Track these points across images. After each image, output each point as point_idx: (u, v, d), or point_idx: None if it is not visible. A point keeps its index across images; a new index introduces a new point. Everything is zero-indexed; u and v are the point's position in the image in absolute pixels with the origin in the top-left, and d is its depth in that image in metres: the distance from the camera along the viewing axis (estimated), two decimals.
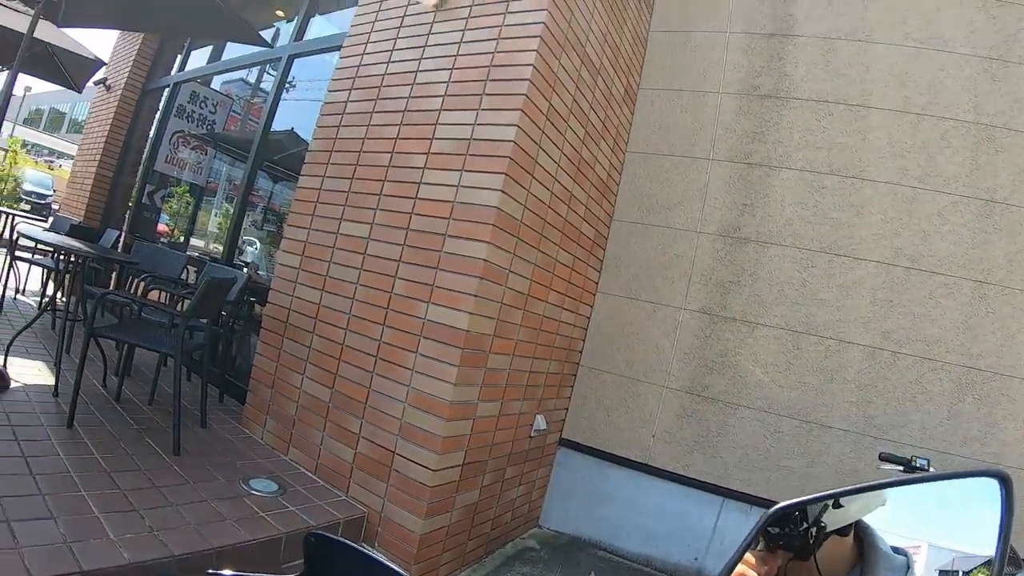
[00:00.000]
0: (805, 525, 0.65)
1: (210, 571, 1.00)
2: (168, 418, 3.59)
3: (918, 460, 2.65)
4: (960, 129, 3.79)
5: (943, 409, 3.59)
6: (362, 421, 3.29)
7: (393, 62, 3.71)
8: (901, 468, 2.68)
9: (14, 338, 4.13)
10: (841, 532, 0.71)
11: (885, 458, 2.75)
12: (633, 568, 4.07)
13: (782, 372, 3.93)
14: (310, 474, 3.47)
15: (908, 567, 0.77)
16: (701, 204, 4.23)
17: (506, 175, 3.03)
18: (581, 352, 4.47)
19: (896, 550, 0.77)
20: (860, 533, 0.73)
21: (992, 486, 0.70)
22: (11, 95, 3.90)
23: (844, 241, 3.89)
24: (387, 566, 0.91)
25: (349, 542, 0.97)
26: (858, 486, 0.69)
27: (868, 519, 0.71)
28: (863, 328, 3.80)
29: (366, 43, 3.91)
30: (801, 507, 0.62)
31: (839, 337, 3.84)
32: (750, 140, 4.21)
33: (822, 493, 0.64)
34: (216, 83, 7.46)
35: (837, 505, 0.65)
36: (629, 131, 4.47)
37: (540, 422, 3.95)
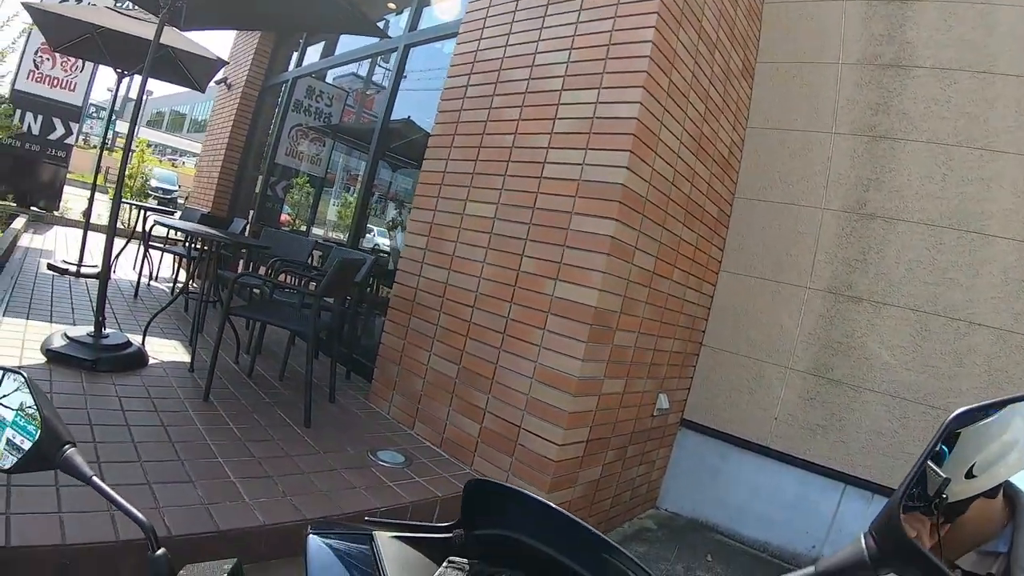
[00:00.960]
0: (945, 494, 0.63)
1: (368, 519, 1.05)
2: (298, 393, 3.79)
3: None
4: None
5: None
6: (488, 396, 3.37)
7: (511, 45, 3.76)
8: None
9: (151, 320, 4.43)
10: (989, 494, 0.69)
11: None
12: (749, 553, 4.00)
13: (909, 355, 3.76)
14: (435, 448, 3.59)
15: None
16: (824, 179, 4.08)
17: (630, 152, 3.02)
18: (704, 331, 4.41)
19: None
20: (1009, 493, 0.71)
21: None
22: (143, 98, 4.14)
23: (974, 217, 3.66)
24: (546, 503, 0.93)
25: (506, 484, 0.99)
26: None
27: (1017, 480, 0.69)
28: (994, 310, 3.57)
29: (482, 28, 3.97)
30: (984, 411, 0.61)
31: (969, 319, 3.62)
32: (873, 112, 4.02)
33: (1006, 397, 0.62)
34: (328, 77, 7.76)
35: (971, 475, 0.62)
36: (748, 106, 4.35)
37: (663, 401, 3.94)
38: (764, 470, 4.07)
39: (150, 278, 6.81)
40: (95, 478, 0.77)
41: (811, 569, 0.58)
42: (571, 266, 3.12)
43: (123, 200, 9.32)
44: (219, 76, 7.98)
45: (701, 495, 4.27)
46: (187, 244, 6.24)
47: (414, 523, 1.03)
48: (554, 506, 0.92)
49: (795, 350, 4.05)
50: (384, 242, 6.55)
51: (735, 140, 4.20)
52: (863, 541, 0.56)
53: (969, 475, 0.60)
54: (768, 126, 4.31)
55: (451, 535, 0.99)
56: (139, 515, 0.74)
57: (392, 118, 5.34)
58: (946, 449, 0.58)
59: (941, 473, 0.58)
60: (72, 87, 10.53)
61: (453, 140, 3.92)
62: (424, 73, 5.39)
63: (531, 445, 3.14)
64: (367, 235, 6.58)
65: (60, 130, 10.48)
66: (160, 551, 0.72)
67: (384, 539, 0.97)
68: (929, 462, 0.57)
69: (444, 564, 0.91)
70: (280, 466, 2.88)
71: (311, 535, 0.97)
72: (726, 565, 3.73)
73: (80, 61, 10.08)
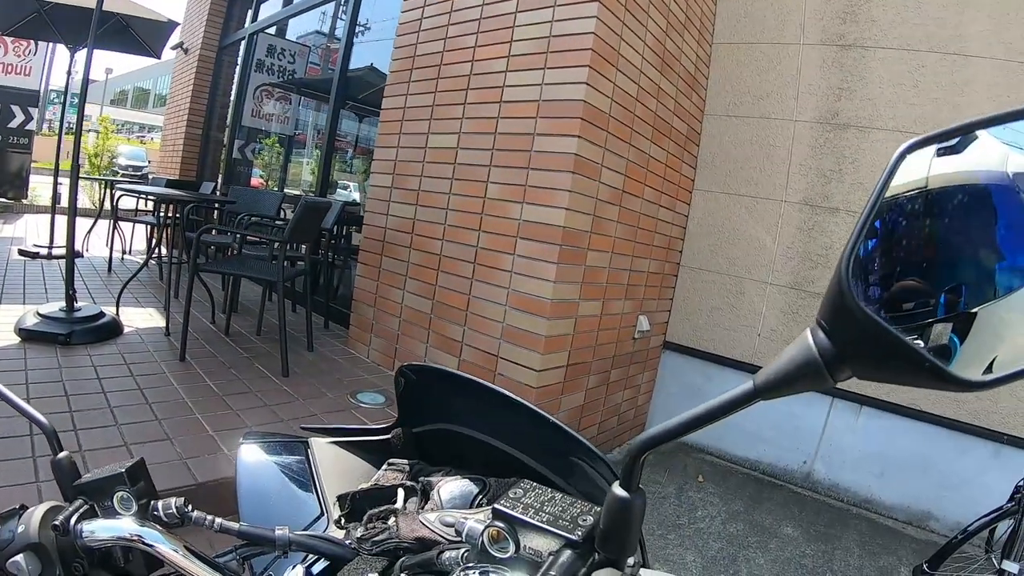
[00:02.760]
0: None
1: (303, 426, 1.01)
2: (275, 346, 3.74)
3: None
4: None
5: None
6: (464, 328, 3.34)
7: None
8: None
9: (122, 289, 4.35)
10: None
11: None
12: (741, 472, 4.02)
13: None
14: None
15: None
16: (795, 91, 4.00)
17: (590, 67, 2.94)
18: (681, 252, 4.37)
19: None
20: None
21: None
22: (89, 74, 3.97)
23: (948, 122, 3.51)
24: (480, 382, 0.87)
25: (439, 366, 0.92)
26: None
27: None
28: None
29: None
30: (946, 137, 0.43)
31: None
32: (841, 20, 3.92)
33: (965, 121, 0.42)
34: (291, 35, 7.57)
35: (989, 373, 0.42)
36: (713, 21, 4.24)
37: (643, 323, 3.91)
38: None
39: (123, 252, 6.72)
40: None
41: (749, 385, 0.45)
42: (537, 188, 3.05)
43: (90, 177, 9.20)
44: (175, 41, 7.78)
45: None
46: (156, 211, 6.13)
47: (351, 427, 0.98)
48: (501, 390, 0.85)
49: (774, 265, 4.01)
50: (357, 197, 6.47)
51: (701, 56, 4.10)
52: (810, 336, 0.41)
53: (987, 375, 0.41)
54: (734, 40, 4.21)
55: (390, 436, 0.93)
56: (40, 418, 0.70)
57: (353, 66, 5.23)
58: (956, 340, 0.41)
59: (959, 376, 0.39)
60: (27, 72, 10.21)
61: (411, 75, 3.82)
62: (385, 21, 5.26)
63: (510, 373, 3.11)
64: (341, 190, 6.48)
65: (19, 117, 10.18)
66: (63, 453, 0.69)
67: (319, 445, 0.93)
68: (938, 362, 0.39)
69: (383, 467, 0.86)
70: (259, 416, 2.87)
71: (243, 442, 0.93)
72: (718, 485, 3.74)
73: (32, 44, 9.78)
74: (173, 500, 0.66)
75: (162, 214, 5.79)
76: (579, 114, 2.93)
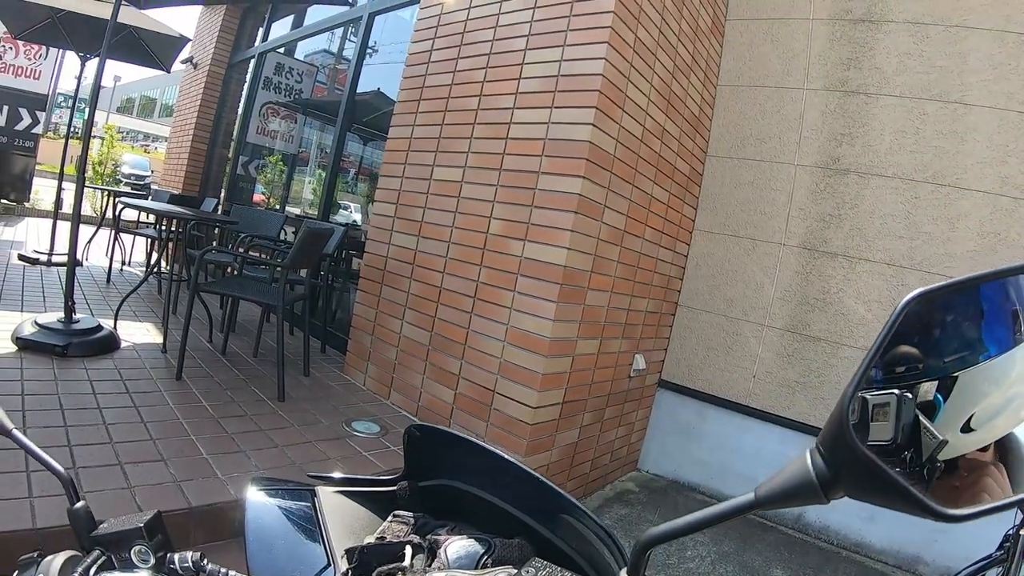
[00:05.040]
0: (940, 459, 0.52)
1: (310, 474, 1.02)
2: (272, 369, 3.75)
3: None
4: None
5: None
6: (461, 362, 3.34)
7: (474, 7, 3.67)
8: None
9: (121, 303, 4.36)
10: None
11: None
12: None
13: (886, 310, 3.72)
14: (411, 416, 3.56)
15: None
16: (797, 136, 4.05)
17: (597, 109, 2.97)
18: (679, 291, 4.39)
19: None
20: (1002, 444, 0.64)
21: None
22: (100, 84, 4.00)
23: (948, 170, 3.63)
24: (486, 447, 0.90)
25: (447, 428, 0.96)
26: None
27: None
28: (970, 263, 3.54)
29: None
30: (946, 292, 0.48)
31: (945, 273, 3.59)
32: (845, 67, 3.98)
33: (968, 276, 0.49)
34: (299, 55, 7.64)
35: (968, 429, 0.51)
36: (719, 64, 4.30)
37: (639, 361, 3.92)
38: (744, 429, 4.06)
39: (123, 263, 6.72)
40: (15, 431, 0.74)
41: (751, 496, 0.51)
42: (539, 226, 3.07)
43: (94, 186, 9.21)
44: (184, 55, 7.83)
45: (681, 455, 4.27)
46: (157, 226, 6.15)
47: (358, 477, 0.99)
48: (501, 453, 0.89)
49: (771, 307, 4.04)
50: (358, 218, 6.49)
51: (706, 98, 4.15)
52: (809, 458, 0.48)
53: (966, 429, 0.49)
54: (739, 83, 4.26)
55: (396, 488, 0.96)
56: (57, 467, 0.71)
57: (361, 90, 5.27)
58: (940, 398, 0.48)
59: (937, 433, 0.47)
60: (37, 75, 10.25)
61: (419, 106, 3.85)
62: (394, 45, 5.31)
63: (505, 409, 3.11)
64: (343, 211, 6.50)
65: (27, 120, 10.21)
66: (80, 503, 0.69)
67: (326, 494, 0.94)
68: (922, 417, 0.47)
69: (388, 518, 0.88)
70: (253, 441, 2.86)
71: (251, 489, 0.94)
72: None
73: (44, 48, 9.84)
74: (189, 554, 0.67)
75: (163, 227, 5.81)
76: (584, 155, 2.96)
